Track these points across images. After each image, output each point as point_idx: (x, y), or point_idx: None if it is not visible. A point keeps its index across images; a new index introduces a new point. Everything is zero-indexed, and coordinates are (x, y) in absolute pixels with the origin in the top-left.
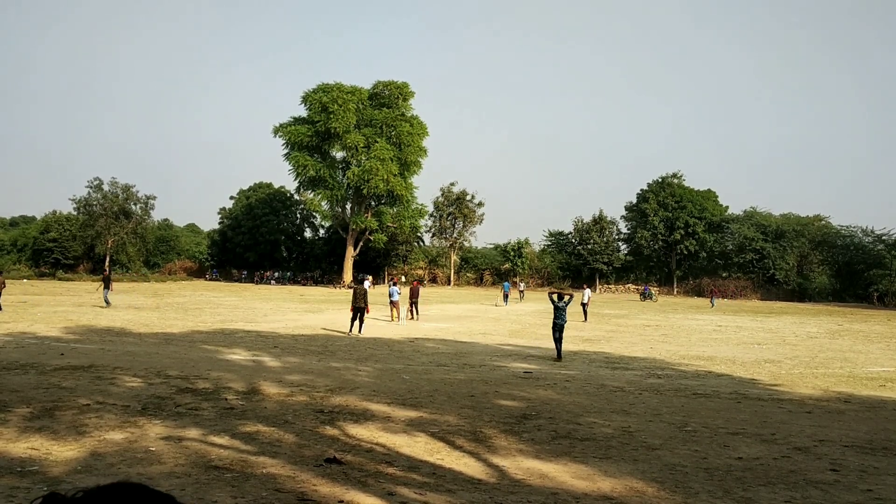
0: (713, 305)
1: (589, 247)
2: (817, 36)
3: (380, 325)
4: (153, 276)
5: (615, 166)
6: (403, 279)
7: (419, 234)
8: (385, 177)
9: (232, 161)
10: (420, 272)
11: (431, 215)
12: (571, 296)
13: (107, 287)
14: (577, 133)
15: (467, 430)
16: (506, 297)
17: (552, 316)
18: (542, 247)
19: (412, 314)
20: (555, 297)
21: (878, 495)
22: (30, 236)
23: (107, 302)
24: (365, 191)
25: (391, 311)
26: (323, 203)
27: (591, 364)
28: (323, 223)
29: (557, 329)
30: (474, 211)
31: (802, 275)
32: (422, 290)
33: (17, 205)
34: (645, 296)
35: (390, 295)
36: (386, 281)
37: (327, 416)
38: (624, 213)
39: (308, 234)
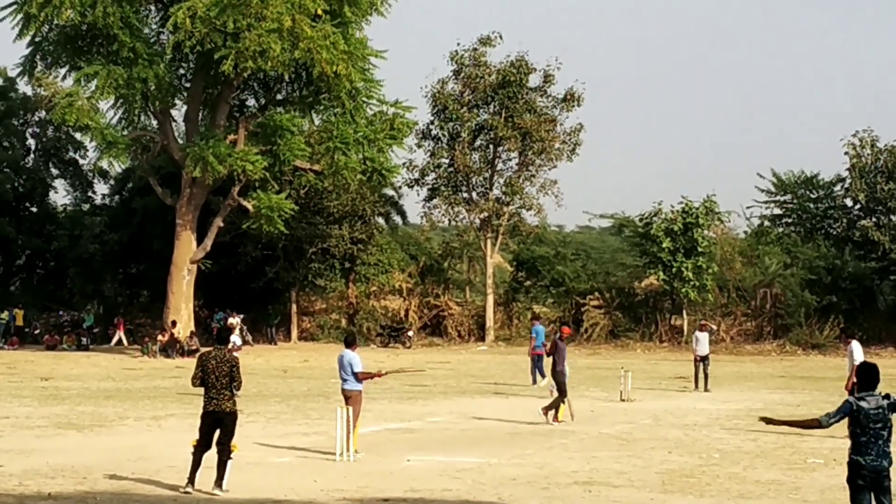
0: None
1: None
2: None
3: (298, 461)
4: None
5: None
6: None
7: (392, 193)
8: (285, 20)
9: None
10: (391, 304)
11: (426, 136)
12: None
13: None
14: None
15: None
16: (536, 360)
17: (848, 444)
18: (759, 219)
19: (562, 408)
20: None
21: None
22: None
23: None
24: (227, 66)
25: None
26: (104, 105)
27: None
28: (104, 162)
29: (869, 481)
30: (554, 120)
31: None
32: (398, 364)
33: None
34: None
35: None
36: (292, 328)
37: None
38: None
39: (62, 197)
